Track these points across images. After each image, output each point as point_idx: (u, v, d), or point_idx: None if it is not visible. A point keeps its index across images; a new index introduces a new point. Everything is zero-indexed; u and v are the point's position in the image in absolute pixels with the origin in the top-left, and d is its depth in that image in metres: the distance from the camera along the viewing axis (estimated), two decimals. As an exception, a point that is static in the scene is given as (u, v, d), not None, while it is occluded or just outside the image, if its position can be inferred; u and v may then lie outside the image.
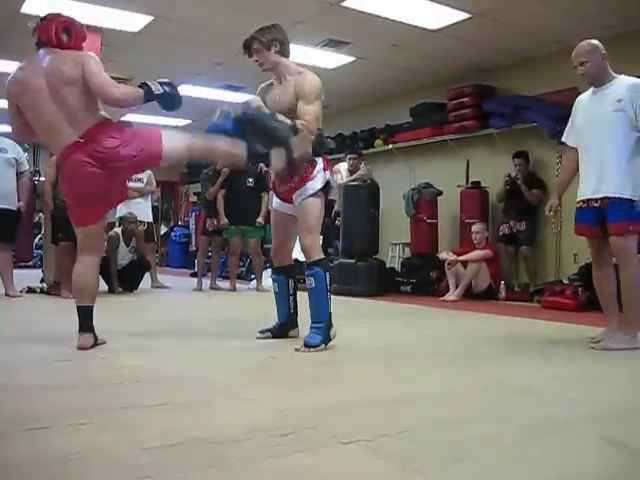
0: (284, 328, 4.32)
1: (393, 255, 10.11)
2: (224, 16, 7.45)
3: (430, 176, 9.43)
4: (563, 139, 4.48)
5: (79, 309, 3.72)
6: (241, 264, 10.16)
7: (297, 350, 3.77)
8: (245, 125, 3.72)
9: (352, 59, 9.02)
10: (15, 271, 7.44)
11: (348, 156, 9.19)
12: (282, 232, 4.29)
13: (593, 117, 4.20)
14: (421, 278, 8.66)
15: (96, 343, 3.71)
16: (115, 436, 2.06)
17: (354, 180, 8.79)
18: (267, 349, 3.92)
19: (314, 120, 3.87)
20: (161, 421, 2.26)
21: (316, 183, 3.97)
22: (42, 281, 7.87)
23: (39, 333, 4.40)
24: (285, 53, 4.08)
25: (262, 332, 4.30)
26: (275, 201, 4.25)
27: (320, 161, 4.03)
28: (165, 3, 7.15)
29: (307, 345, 3.80)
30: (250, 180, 8.47)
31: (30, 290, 7.61)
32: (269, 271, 9.27)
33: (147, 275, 8.48)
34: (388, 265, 9.47)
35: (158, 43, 8.43)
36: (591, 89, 4.31)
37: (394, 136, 10.44)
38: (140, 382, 2.92)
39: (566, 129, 4.45)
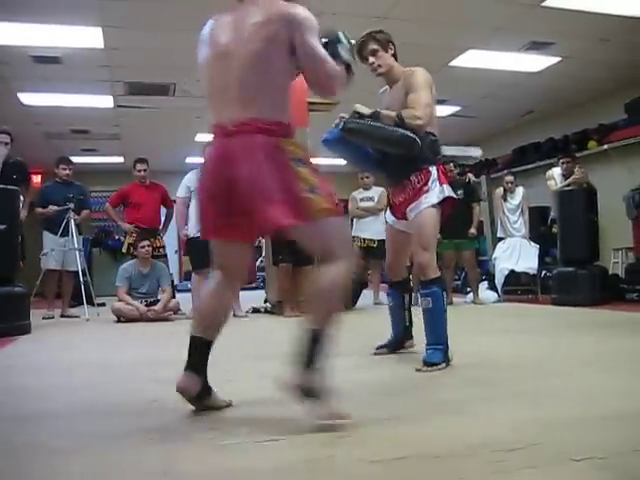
0: (399, 341, 4.23)
1: (615, 261, 9.57)
2: (426, 33, 7.49)
3: (652, 175, 8.88)
4: None
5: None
6: (456, 277, 10.07)
7: (418, 371, 3.58)
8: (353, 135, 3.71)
9: (557, 59, 8.70)
10: (240, 292, 7.89)
11: (560, 160, 8.84)
12: (394, 248, 4.13)
13: None
14: (649, 284, 8.12)
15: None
16: (342, 449, 2.13)
17: (569, 185, 8.45)
18: (481, 365, 3.85)
19: (422, 106, 3.64)
20: (387, 435, 2.30)
21: (431, 197, 3.72)
22: (266, 301, 8.28)
23: (268, 350, 4.64)
24: (396, 56, 3.96)
25: (378, 348, 4.23)
26: (388, 216, 4.10)
27: (435, 171, 3.77)
28: (363, 27, 7.29)
29: (427, 364, 3.60)
30: (459, 192, 8.39)
31: (255, 310, 8.04)
32: (485, 283, 9.21)
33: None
34: (611, 272, 8.99)
35: (362, 66, 8.63)
36: None
37: (609, 135, 9.92)
38: (366, 394, 2.98)
39: None
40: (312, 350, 2.45)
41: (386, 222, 4.16)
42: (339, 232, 2.61)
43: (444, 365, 3.63)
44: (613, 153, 9.87)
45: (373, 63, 3.92)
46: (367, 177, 8.90)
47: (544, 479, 1.82)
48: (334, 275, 2.48)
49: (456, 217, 8.38)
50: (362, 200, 8.90)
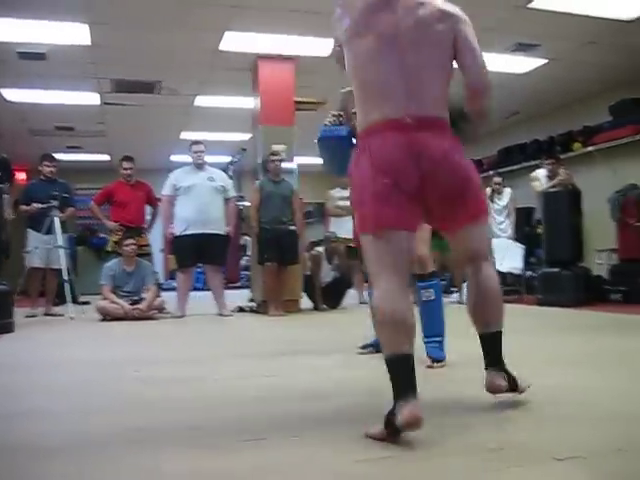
0: None
1: (599, 262, 9.62)
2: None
3: (635, 177, 8.90)
4: None
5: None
6: (442, 278, 10.06)
7: (429, 367, 3.59)
8: None
9: (544, 61, 8.74)
10: (225, 292, 7.89)
11: (545, 162, 8.88)
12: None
13: None
14: (632, 285, 8.17)
15: None
16: (326, 449, 2.13)
17: (553, 186, 8.49)
18: (469, 366, 3.85)
19: None
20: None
21: None
22: (251, 300, 8.27)
23: (252, 349, 4.64)
24: None
25: (364, 347, 4.20)
26: None
27: None
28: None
29: (436, 360, 3.64)
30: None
31: (241, 309, 8.04)
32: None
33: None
34: (594, 273, 9.03)
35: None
36: None
37: (593, 137, 9.97)
38: (349, 393, 2.98)
39: None
40: (500, 348, 2.65)
41: None
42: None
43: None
44: (598, 155, 9.91)
45: None
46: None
47: (529, 478, 1.83)
48: (496, 276, 2.70)
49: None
50: (341, 199, 8.93)
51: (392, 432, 2.13)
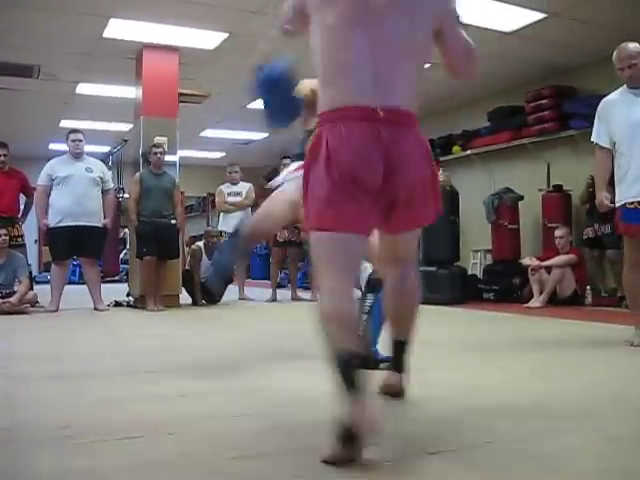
0: None
1: (474, 262, 9.97)
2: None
3: (510, 181, 9.27)
4: (594, 139, 4.58)
5: None
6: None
7: None
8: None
9: (426, 66, 8.93)
10: (102, 285, 7.68)
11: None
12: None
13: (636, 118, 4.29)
14: (504, 285, 8.51)
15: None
16: (201, 446, 2.09)
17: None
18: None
19: None
20: (247, 431, 2.28)
21: None
22: (128, 295, 8.08)
23: (128, 346, 4.54)
24: None
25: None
26: None
27: None
28: (239, 20, 7.26)
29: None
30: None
31: (117, 304, 7.84)
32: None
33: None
34: (470, 272, 9.35)
35: (234, 59, 8.56)
36: (623, 90, 4.49)
37: (472, 141, 10.32)
38: (221, 394, 2.96)
39: (596, 129, 4.70)
40: (406, 356, 2.69)
41: None
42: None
43: None
44: (476, 158, 10.26)
45: None
46: (235, 172, 8.95)
47: (399, 472, 1.86)
48: (418, 284, 2.60)
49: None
50: (230, 195, 8.92)
51: (349, 444, 1.90)
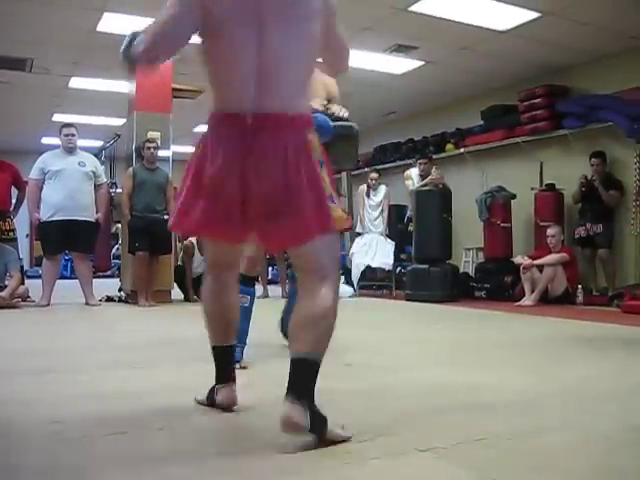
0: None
1: (467, 260, 9.98)
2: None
3: (503, 179, 9.29)
4: None
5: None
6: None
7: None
8: None
9: (421, 63, 8.96)
10: (94, 280, 7.66)
11: (419, 161, 9.13)
12: None
13: None
14: (496, 283, 8.53)
15: None
16: (188, 441, 2.09)
17: (425, 185, 8.73)
18: (339, 356, 3.90)
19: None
20: (235, 426, 2.27)
21: None
22: (120, 290, 8.07)
23: (119, 340, 4.53)
24: None
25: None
26: None
27: None
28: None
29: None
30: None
31: (109, 299, 7.83)
32: (342, 278, 9.35)
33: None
34: (462, 270, 9.37)
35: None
36: None
37: (465, 140, 10.33)
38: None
39: None
40: (308, 379, 2.06)
41: None
42: (337, 249, 2.31)
43: None
44: (469, 156, 10.28)
45: None
46: None
47: (389, 469, 1.86)
48: (333, 297, 2.16)
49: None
50: None
51: (211, 404, 2.48)
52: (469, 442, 2.08)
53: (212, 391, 2.49)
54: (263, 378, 3.17)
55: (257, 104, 2.08)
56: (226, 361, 2.50)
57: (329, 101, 3.68)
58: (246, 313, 3.67)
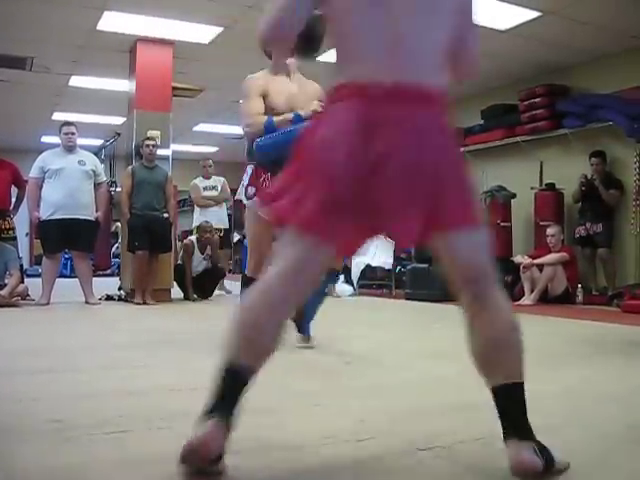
0: None
1: (466, 259, 9.96)
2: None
3: (503, 179, 9.29)
4: None
5: None
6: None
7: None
8: None
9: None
10: (94, 279, 7.66)
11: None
12: (267, 243, 3.80)
13: None
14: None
15: None
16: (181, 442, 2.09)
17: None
18: (339, 355, 3.91)
19: None
20: (243, 426, 2.28)
21: None
22: (120, 289, 8.06)
23: (119, 339, 4.52)
24: None
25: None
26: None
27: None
28: (234, 14, 7.25)
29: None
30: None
31: (109, 297, 7.82)
32: (342, 276, 9.37)
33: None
34: (461, 270, 9.36)
35: (229, 54, 8.54)
36: None
37: (465, 139, 10.31)
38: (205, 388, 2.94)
39: None
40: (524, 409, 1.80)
41: (253, 210, 3.81)
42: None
43: None
44: (469, 156, 10.25)
45: None
46: (210, 166, 9.00)
47: (387, 469, 1.86)
48: (510, 308, 1.88)
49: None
50: (205, 189, 8.94)
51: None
52: (469, 442, 2.08)
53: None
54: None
55: (391, 73, 1.74)
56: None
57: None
58: None
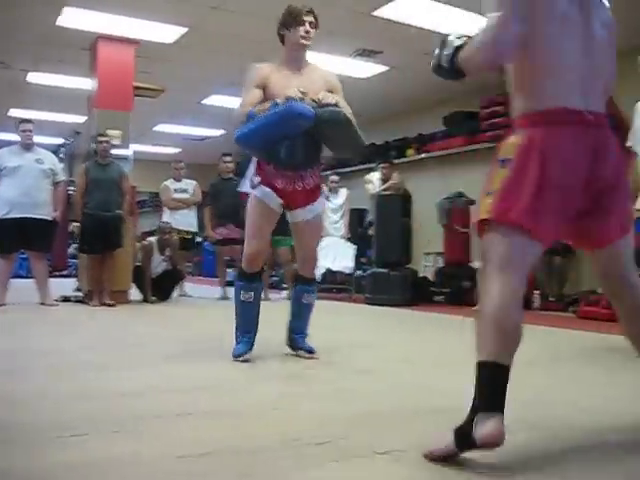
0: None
1: (426, 264, 10.04)
2: (256, 26, 7.49)
3: (463, 185, 9.36)
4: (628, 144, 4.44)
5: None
6: (272, 274, 10.12)
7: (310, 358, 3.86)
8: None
9: (385, 68, 9.00)
10: (51, 280, 7.53)
11: (380, 165, 9.16)
12: (267, 233, 3.83)
13: None
14: (455, 288, 8.59)
15: None
16: (149, 445, 2.06)
17: (386, 189, 8.76)
18: (299, 361, 3.89)
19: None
20: (196, 430, 2.26)
21: (322, 201, 3.94)
22: (77, 290, 7.94)
23: (73, 342, 4.46)
24: None
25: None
26: (269, 194, 3.69)
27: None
28: (199, 15, 7.21)
29: (313, 351, 3.91)
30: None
31: (66, 299, 7.69)
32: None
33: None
34: (421, 274, 9.42)
35: (191, 54, 8.50)
36: None
37: (427, 145, 10.40)
38: (171, 391, 2.92)
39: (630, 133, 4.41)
40: None
41: (258, 198, 3.72)
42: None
43: None
44: (430, 162, 10.35)
45: (309, 33, 3.71)
46: (181, 168, 8.91)
47: (345, 472, 1.85)
48: None
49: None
50: (176, 191, 8.84)
51: (462, 447, 1.92)
52: (429, 445, 2.08)
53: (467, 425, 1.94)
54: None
55: (587, 101, 2.09)
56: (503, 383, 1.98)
57: (330, 92, 3.67)
58: (251, 310, 3.79)
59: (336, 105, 3.57)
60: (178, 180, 8.96)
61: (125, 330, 5.36)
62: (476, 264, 8.10)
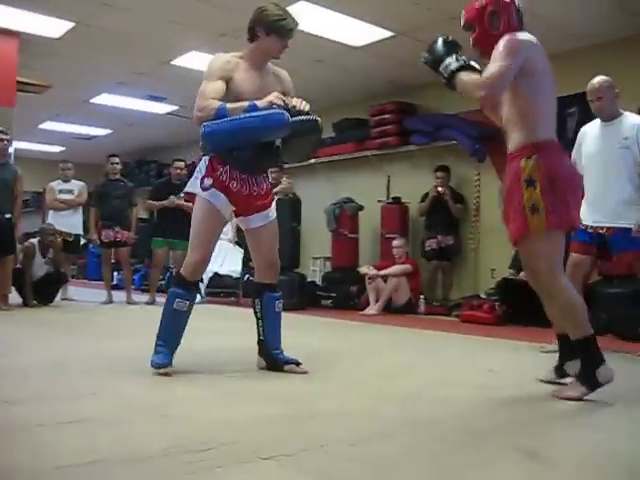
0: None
1: (314, 269, 10.12)
2: (151, 27, 7.38)
3: (352, 191, 9.51)
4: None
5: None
6: (161, 277, 9.95)
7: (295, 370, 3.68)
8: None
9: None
10: None
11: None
12: (214, 240, 3.67)
13: (600, 150, 4.45)
14: (342, 292, 8.71)
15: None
16: (31, 455, 1.99)
17: (275, 194, 8.76)
18: (187, 365, 3.85)
19: None
20: (77, 438, 2.20)
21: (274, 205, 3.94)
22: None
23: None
24: None
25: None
26: (220, 199, 3.52)
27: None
28: (87, 10, 7.02)
29: (297, 363, 3.71)
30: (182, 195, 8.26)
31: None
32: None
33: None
34: (309, 279, 9.48)
35: (80, 50, 8.26)
36: (598, 121, 4.52)
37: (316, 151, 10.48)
38: (54, 399, 2.83)
39: (573, 157, 4.50)
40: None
41: (209, 202, 3.52)
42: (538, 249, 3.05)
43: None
44: (320, 167, 10.44)
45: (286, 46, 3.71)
46: (68, 169, 8.63)
47: (233, 477, 1.85)
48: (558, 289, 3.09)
49: (172, 216, 8.23)
50: (61, 192, 8.57)
51: (592, 389, 2.96)
52: (312, 449, 2.11)
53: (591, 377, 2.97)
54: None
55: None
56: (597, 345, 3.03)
57: (284, 94, 3.59)
58: (182, 320, 3.53)
59: (308, 113, 3.54)
60: (66, 181, 8.68)
61: (6, 335, 5.16)
62: (364, 269, 8.23)
